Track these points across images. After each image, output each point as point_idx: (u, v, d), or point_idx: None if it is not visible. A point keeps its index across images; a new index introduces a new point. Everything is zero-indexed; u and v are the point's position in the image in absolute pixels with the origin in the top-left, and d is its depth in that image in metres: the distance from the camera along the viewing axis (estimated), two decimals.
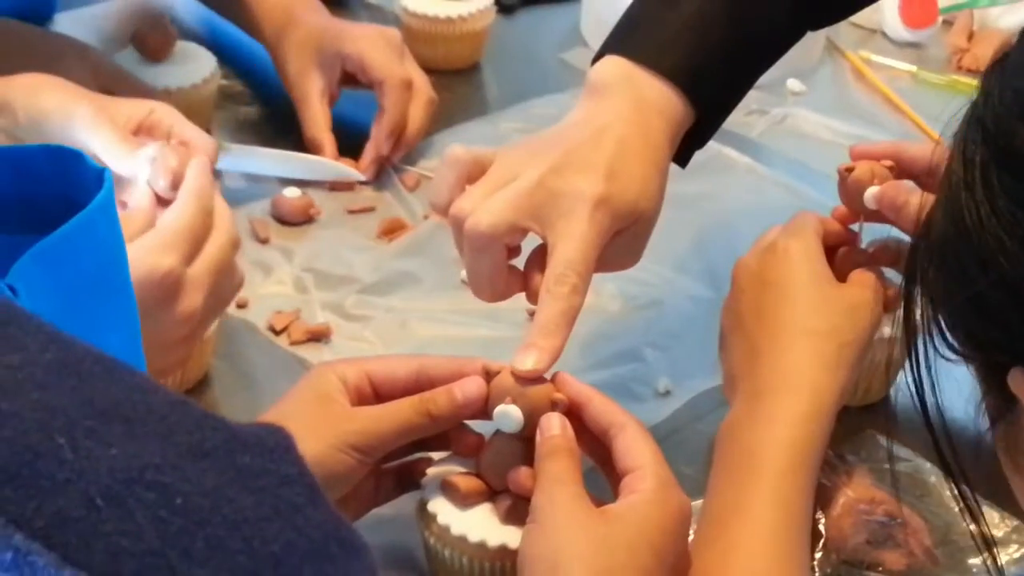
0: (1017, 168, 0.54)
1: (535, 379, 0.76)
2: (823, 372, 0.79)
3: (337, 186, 1.15)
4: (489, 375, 0.77)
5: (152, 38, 1.19)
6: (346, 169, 1.14)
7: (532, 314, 1.02)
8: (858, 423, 0.93)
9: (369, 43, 1.17)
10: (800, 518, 0.74)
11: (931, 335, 0.60)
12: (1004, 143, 0.54)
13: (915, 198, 0.83)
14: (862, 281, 0.86)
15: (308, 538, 0.37)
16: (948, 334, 0.59)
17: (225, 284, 0.82)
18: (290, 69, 1.19)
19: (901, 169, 0.90)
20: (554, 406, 0.76)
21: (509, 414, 0.75)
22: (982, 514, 0.68)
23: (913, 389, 0.64)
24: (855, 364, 0.82)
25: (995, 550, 0.81)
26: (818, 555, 0.80)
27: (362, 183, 1.16)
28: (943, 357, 0.61)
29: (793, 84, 1.36)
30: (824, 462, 0.83)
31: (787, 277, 0.84)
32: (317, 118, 1.17)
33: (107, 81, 1.05)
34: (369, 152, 1.16)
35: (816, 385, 0.79)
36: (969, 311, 0.57)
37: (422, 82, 1.20)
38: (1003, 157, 0.54)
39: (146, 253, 0.76)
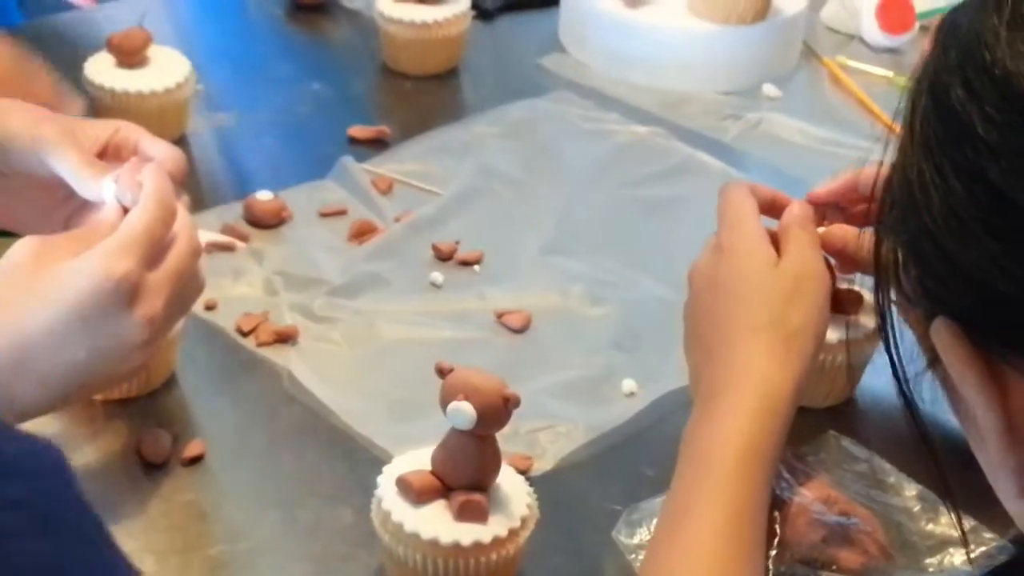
0: (948, 119, 0.55)
1: None
2: (773, 366, 0.80)
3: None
4: (443, 373, 0.78)
5: (126, 42, 1.19)
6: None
7: (499, 316, 1.03)
8: (820, 424, 0.94)
9: None
10: (751, 515, 0.75)
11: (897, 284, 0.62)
12: (941, 94, 0.56)
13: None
14: (801, 258, 0.86)
15: None
16: (903, 278, 0.61)
17: (187, 290, 0.82)
18: None
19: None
20: (506, 402, 0.76)
21: (462, 410, 0.76)
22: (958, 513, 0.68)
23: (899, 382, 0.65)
24: (808, 351, 0.82)
25: (963, 548, 0.82)
26: (772, 553, 0.80)
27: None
28: (892, 303, 0.62)
29: (769, 89, 1.36)
30: (781, 462, 0.83)
31: (733, 275, 0.85)
32: None
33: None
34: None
35: (766, 380, 0.79)
36: (913, 257, 0.59)
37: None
38: (938, 108, 0.56)
39: (103, 257, 0.76)
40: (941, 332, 0.58)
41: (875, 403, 0.97)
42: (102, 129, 0.90)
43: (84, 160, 0.86)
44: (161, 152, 0.89)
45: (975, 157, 0.54)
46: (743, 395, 0.79)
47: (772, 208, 0.91)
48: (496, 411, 0.76)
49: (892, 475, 0.88)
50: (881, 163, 0.62)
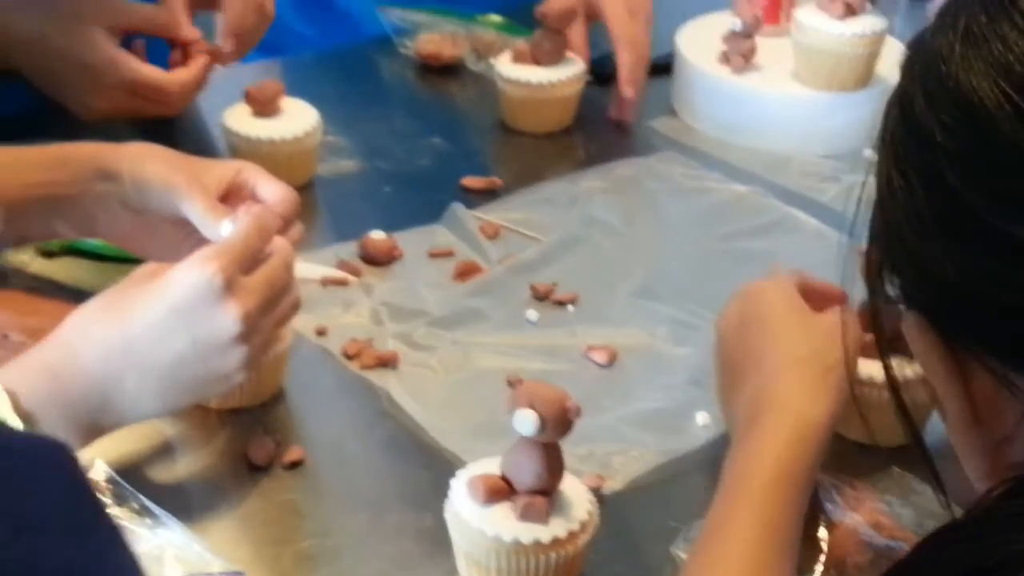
0: (911, 128, 0.62)
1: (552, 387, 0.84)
2: (808, 396, 0.85)
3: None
4: (513, 384, 0.85)
5: (261, 93, 1.30)
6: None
7: (587, 350, 1.09)
8: (887, 461, 0.98)
9: None
10: (781, 535, 0.79)
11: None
12: (906, 105, 0.63)
13: None
14: (834, 310, 0.92)
15: None
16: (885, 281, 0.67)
17: (281, 300, 0.91)
18: None
19: None
20: (567, 411, 0.83)
21: (527, 417, 0.82)
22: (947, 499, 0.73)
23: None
24: (841, 386, 0.87)
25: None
26: (819, 569, 0.84)
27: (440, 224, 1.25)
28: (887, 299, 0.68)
29: (869, 153, 1.40)
30: (834, 487, 0.88)
31: (765, 311, 0.91)
32: (177, 7, 1.30)
33: (128, 25, 1.23)
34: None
35: (801, 409, 0.85)
36: (886, 258, 0.66)
37: None
38: (904, 119, 0.63)
39: (200, 257, 0.86)
40: (910, 325, 0.64)
41: (944, 442, 1.01)
42: (225, 171, 1.01)
43: (208, 205, 0.96)
44: (274, 194, 0.99)
45: (934, 162, 0.60)
46: (779, 423, 0.85)
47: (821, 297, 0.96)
48: (558, 419, 0.83)
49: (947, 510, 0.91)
50: (864, 182, 0.68)
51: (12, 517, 0.43)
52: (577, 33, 1.46)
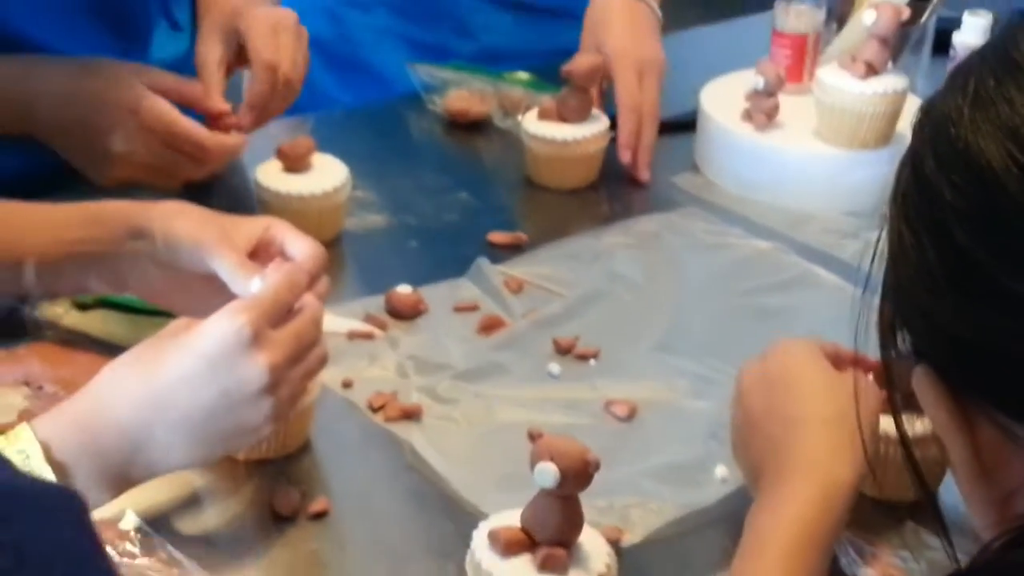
0: (922, 187, 0.64)
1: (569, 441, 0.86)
2: (835, 457, 0.87)
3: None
4: (534, 438, 0.87)
5: (292, 150, 1.33)
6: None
7: (608, 404, 1.11)
8: (903, 516, 0.99)
9: (257, 23, 1.33)
10: None
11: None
12: (918, 165, 0.65)
13: None
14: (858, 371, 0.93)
15: None
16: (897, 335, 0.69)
17: (309, 354, 0.93)
18: (199, 44, 1.35)
19: None
20: (587, 465, 0.85)
21: (547, 471, 0.84)
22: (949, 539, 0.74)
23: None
24: (870, 447, 0.89)
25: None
26: None
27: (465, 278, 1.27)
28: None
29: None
30: (849, 542, 0.90)
31: (792, 372, 0.93)
32: (208, 76, 1.32)
33: (159, 87, 1.25)
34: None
35: (828, 470, 0.87)
36: (898, 312, 0.68)
37: (289, 60, 1.33)
38: (916, 178, 0.65)
39: (229, 310, 0.88)
40: (920, 378, 0.66)
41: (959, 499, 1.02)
42: (254, 227, 1.03)
43: (238, 261, 0.99)
44: (302, 251, 1.01)
45: (944, 220, 0.63)
46: (805, 484, 0.86)
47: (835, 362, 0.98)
48: (578, 473, 0.85)
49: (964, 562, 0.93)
50: (879, 239, 0.70)
51: (17, 550, 0.47)
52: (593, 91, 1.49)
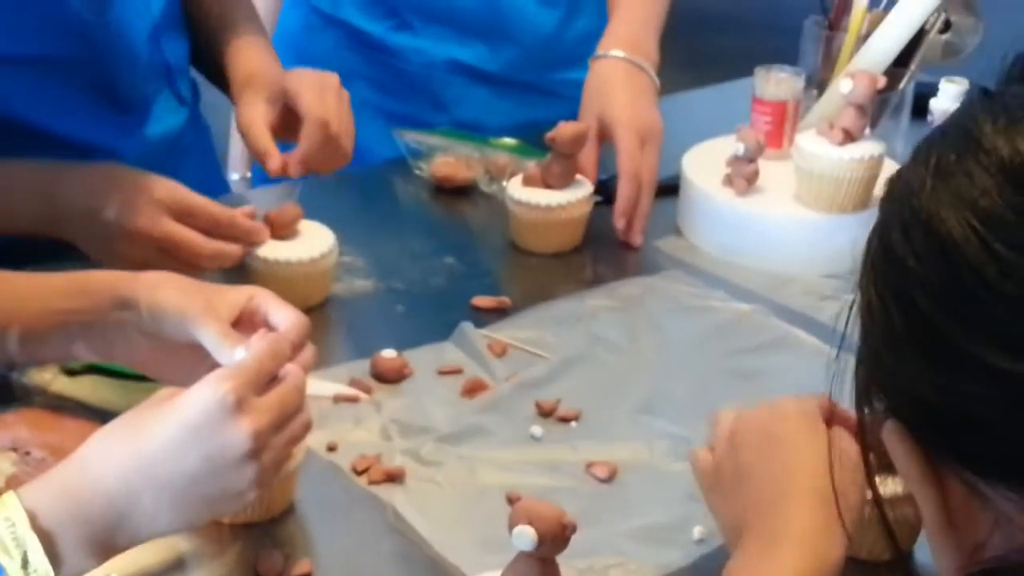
0: (888, 255, 0.68)
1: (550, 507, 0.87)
2: (828, 533, 0.87)
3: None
4: (512, 501, 0.88)
5: (279, 217, 1.35)
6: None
7: (588, 466, 1.13)
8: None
9: (305, 83, 1.39)
10: None
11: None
12: (884, 235, 0.69)
13: None
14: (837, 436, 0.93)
15: None
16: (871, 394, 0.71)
17: (292, 420, 0.95)
18: (241, 107, 1.40)
19: None
20: (564, 529, 0.86)
21: (525, 534, 0.86)
22: None
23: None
24: (859, 520, 0.90)
25: None
26: None
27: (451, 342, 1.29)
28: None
29: None
30: None
31: (793, 435, 0.93)
32: (260, 136, 1.36)
33: (176, 211, 1.26)
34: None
35: (819, 546, 0.86)
36: (868, 373, 0.71)
37: (322, 110, 1.38)
38: (883, 247, 0.69)
39: (214, 376, 0.90)
40: (890, 433, 0.69)
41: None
42: (238, 296, 1.05)
43: (222, 331, 1.00)
44: (286, 319, 1.03)
45: (909, 288, 0.65)
46: (796, 557, 0.86)
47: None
48: (555, 535, 0.86)
49: None
50: (853, 301, 0.72)
51: None
52: (588, 154, 1.51)
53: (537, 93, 1.79)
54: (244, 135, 1.40)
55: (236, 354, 0.98)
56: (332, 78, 1.42)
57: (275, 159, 1.36)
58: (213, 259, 1.29)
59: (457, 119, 1.76)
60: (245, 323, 1.04)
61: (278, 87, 1.41)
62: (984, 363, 0.63)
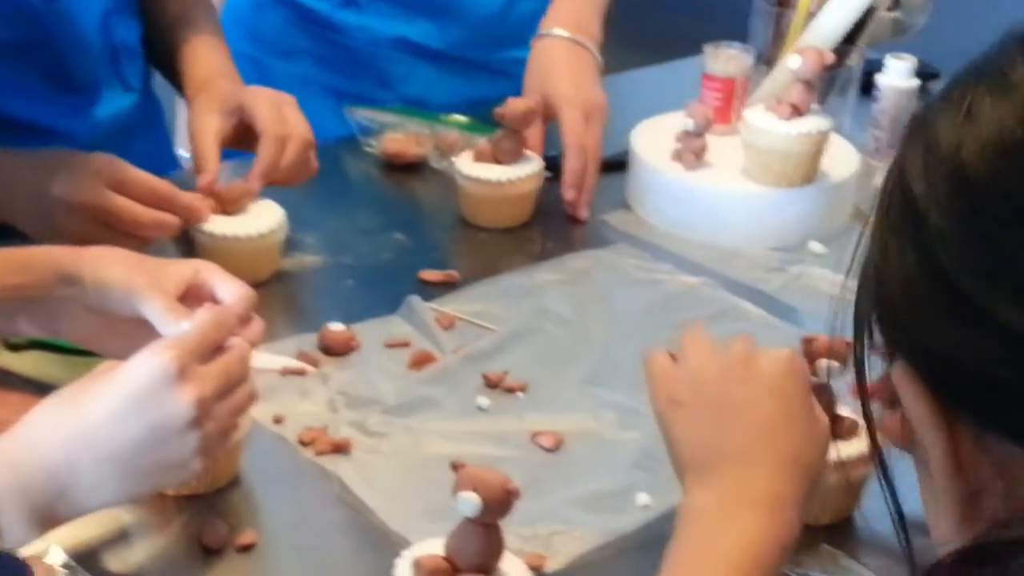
0: (908, 206, 0.65)
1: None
2: (795, 503, 0.86)
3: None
4: (457, 468, 0.89)
5: (228, 193, 1.35)
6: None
7: (534, 436, 1.13)
8: (816, 539, 1.01)
9: (262, 101, 1.39)
10: None
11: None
12: (905, 183, 0.65)
13: None
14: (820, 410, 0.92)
15: None
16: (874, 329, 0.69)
17: (237, 390, 0.94)
18: (195, 116, 1.39)
19: None
20: (508, 494, 0.86)
21: (469, 500, 0.86)
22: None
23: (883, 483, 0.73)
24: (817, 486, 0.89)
25: None
26: None
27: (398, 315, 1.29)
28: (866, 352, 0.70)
29: (814, 246, 1.46)
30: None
31: (775, 398, 0.90)
32: (207, 151, 1.36)
33: (114, 182, 1.25)
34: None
35: (787, 514, 0.85)
36: (878, 315, 0.68)
37: (297, 129, 1.38)
38: (904, 195, 0.65)
39: (156, 345, 0.90)
40: (900, 373, 0.67)
41: (873, 523, 1.05)
42: (184, 271, 1.05)
43: (167, 305, 1.00)
44: (232, 293, 1.03)
45: (929, 243, 0.63)
46: (762, 525, 0.84)
47: None
48: (499, 501, 0.86)
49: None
50: (862, 233, 0.70)
51: None
52: (535, 132, 1.52)
53: (482, 71, 1.79)
54: (192, 141, 1.39)
55: (181, 328, 0.97)
56: (289, 96, 1.42)
57: (208, 176, 1.35)
58: (153, 227, 1.28)
59: (403, 96, 1.76)
60: (191, 298, 1.04)
61: (235, 100, 1.40)
62: (1005, 322, 0.61)
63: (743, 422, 0.89)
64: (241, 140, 1.39)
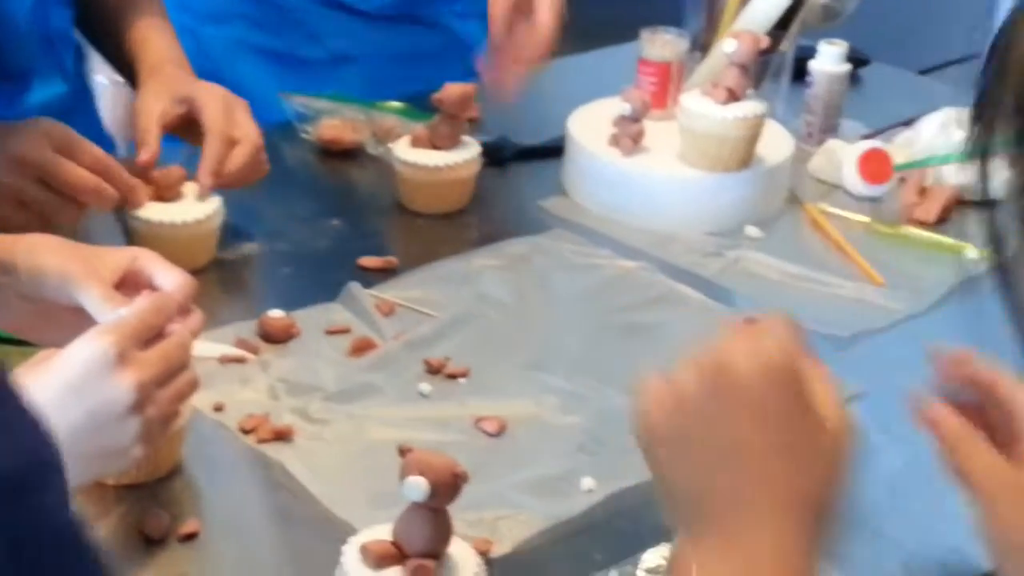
0: None
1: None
2: (806, 553, 0.71)
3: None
4: (404, 453, 0.88)
5: (164, 179, 1.33)
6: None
7: (477, 421, 1.13)
8: None
9: (212, 98, 1.37)
10: None
11: None
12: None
13: None
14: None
15: None
16: None
17: (178, 376, 0.93)
18: (143, 97, 1.38)
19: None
20: (455, 478, 0.86)
21: (417, 484, 0.86)
22: None
23: None
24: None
25: None
26: None
27: (337, 303, 1.29)
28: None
29: (751, 230, 1.47)
30: None
31: (770, 418, 0.72)
32: (149, 126, 1.34)
33: (60, 145, 1.24)
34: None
35: (790, 558, 0.71)
36: None
37: (249, 134, 1.36)
38: None
39: (95, 331, 0.89)
40: None
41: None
42: (121, 258, 1.03)
43: (104, 294, 0.99)
44: (171, 281, 1.02)
45: None
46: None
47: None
48: (447, 485, 0.86)
49: None
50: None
51: None
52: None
53: (412, 24, 1.79)
54: (135, 120, 1.37)
55: (118, 316, 0.96)
56: (241, 100, 1.40)
57: (149, 153, 1.33)
58: (93, 194, 1.27)
59: (333, 52, 1.76)
60: (128, 285, 1.02)
61: (186, 91, 1.38)
62: None
63: (725, 456, 0.72)
64: (185, 129, 1.38)
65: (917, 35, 3.29)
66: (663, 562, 0.95)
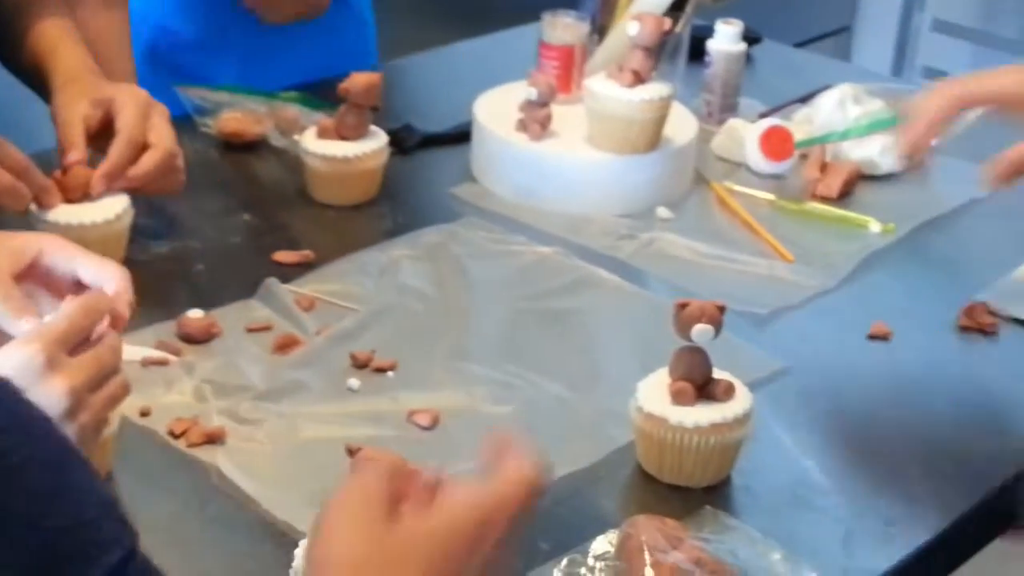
0: None
1: None
2: None
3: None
4: (352, 453, 0.88)
5: (70, 180, 1.30)
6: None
7: (410, 414, 1.13)
8: (699, 501, 1.04)
9: (130, 100, 1.34)
10: None
11: None
12: None
13: None
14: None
15: None
16: None
17: (109, 381, 0.91)
18: (61, 102, 1.35)
19: None
20: None
21: None
22: None
23: None
24: None
25: None
26: None
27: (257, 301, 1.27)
28: None
29: (662, 211, 1.49)
30: (660, 532, 0.94)
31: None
32: (72, 129, 1.31)
33: None
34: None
35: None
36: None
37: (163, 139, 1.34)
38: None
39: (17, 343, 0.86)
40: None
41: (749, 480, 1.08)
42: (24, 244, 0.98)
43: (4, 294, 0.93)
44: (97, 274, 0.98)
45: None
46: None
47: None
48: None
49: (759, 541, 0.98)
50: None
51: None
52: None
53: None
54: (57, 125, 1.34)
55: (21, 327, 0.92)
56: (161, 106, 1.37)
57: (77, 153, 1.30)
58: (8, 193, 1.24)
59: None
60: (41, 279, 0.98)
61: (104, 93, 1.35)
62: None
63: None
64: (102, 136, 1.33)
65: (790, 9, 3.35)
66: (610, 548, 0.96)
